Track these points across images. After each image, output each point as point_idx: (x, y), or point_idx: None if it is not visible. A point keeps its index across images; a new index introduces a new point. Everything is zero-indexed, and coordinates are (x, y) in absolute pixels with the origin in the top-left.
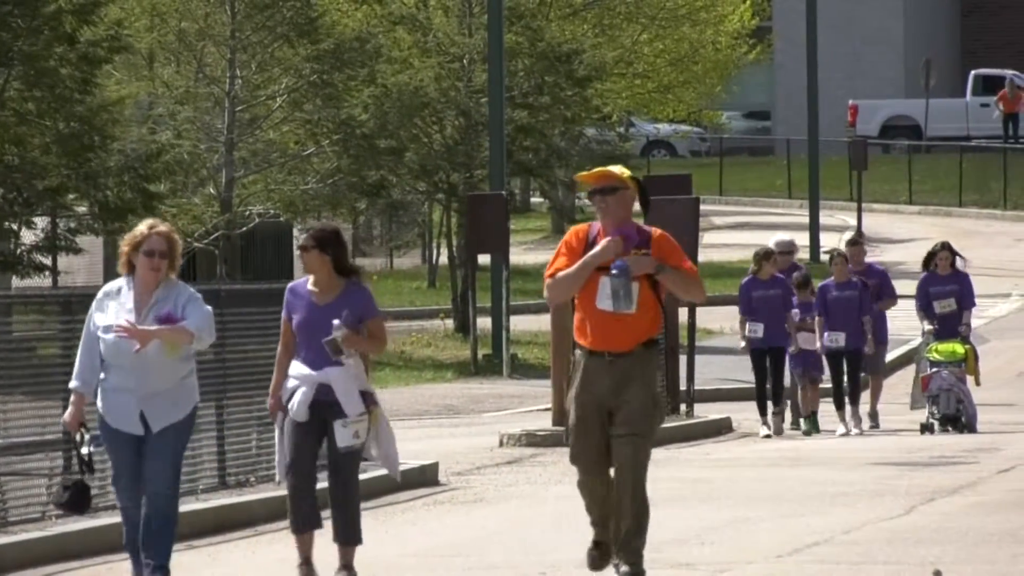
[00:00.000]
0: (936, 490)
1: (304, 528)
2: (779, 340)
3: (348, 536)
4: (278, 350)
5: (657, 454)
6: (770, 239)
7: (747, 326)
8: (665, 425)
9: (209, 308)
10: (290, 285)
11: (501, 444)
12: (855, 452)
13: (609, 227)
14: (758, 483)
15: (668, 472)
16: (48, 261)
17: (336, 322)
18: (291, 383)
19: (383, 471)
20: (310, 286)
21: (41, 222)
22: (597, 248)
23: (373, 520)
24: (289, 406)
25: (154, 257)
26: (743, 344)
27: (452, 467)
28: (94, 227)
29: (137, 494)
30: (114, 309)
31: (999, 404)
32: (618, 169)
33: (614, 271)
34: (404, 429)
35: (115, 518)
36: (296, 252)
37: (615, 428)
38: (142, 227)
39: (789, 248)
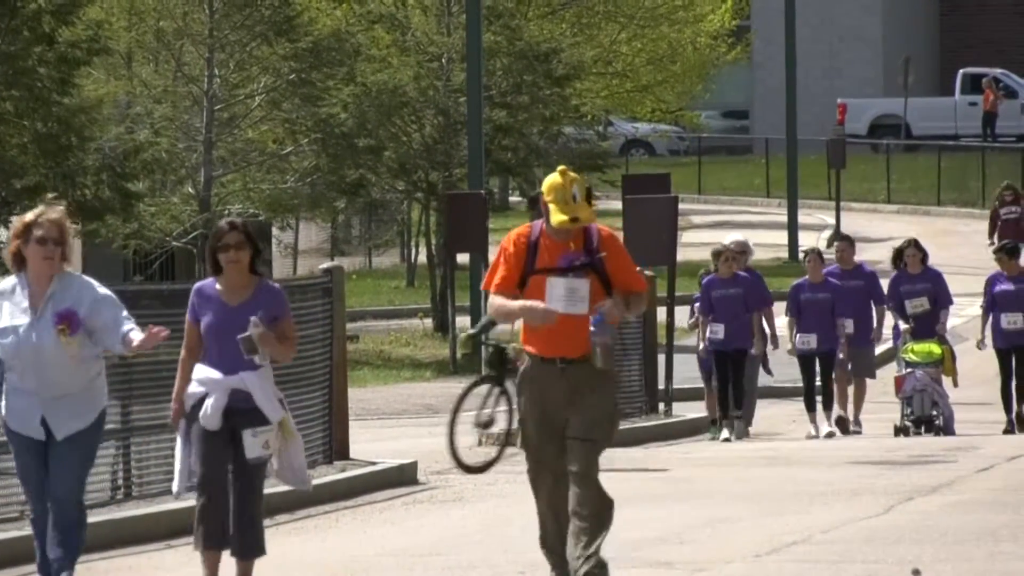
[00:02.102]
0: (914, 489)
1: (211, 545)
2: (739, 341)
3: (248, 549)
4: (181, 354)
5: (636, 453)
6: (726, 238)
7: (708, 327)
8: (644, 424)
9: (123, 312)
10: (196, 286)
11: (480, 443)
12: (834, 452)
13: (563, 239)
14: (737, 482)
15: (647, 471)
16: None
17: (253, 318)
18: (197, 389)
19: (362, 471)
20: (219, 286)
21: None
22: (532, 307)
23: (351, 519)
24: (201, 414)
25: (47, 245)
26: (701, 346)
27: (431, 466)
28: (72, 226)
29: (44, 500)
30: (8, 310)
31: (977, 403)
32: (578, 193)
33: (593, 327)
34: (383, 428)
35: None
36: (276, 251)
37: (568, 431)
38: (29, 215)
39: (743, 248)
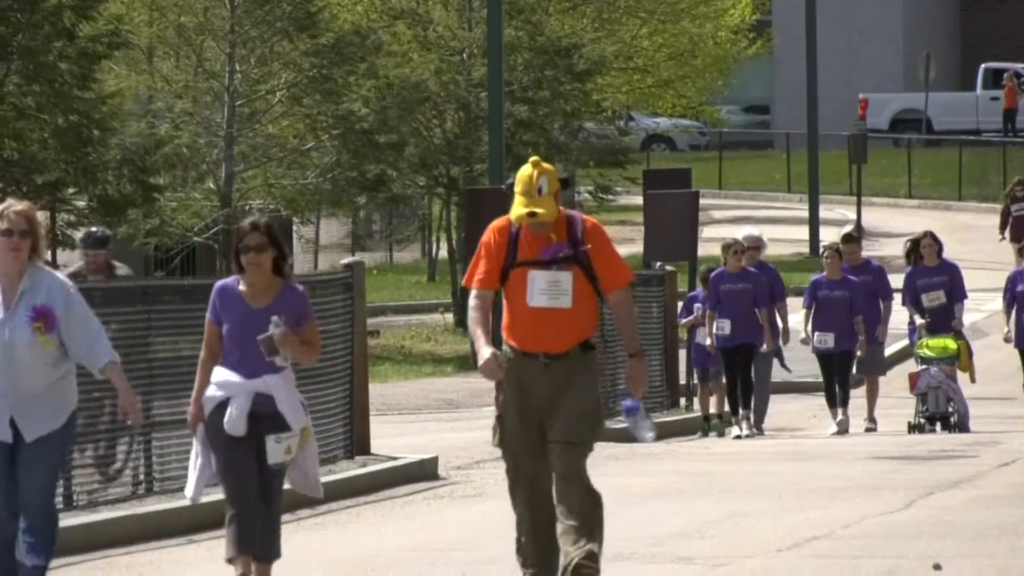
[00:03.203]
0: (935, 484)
1: (245, 551)
2: (748, 337)
3: (267, 553)
4: (201, 355)
5: (656, 448)
6: (739, 232)
7: (715, 323)
8: (665, 419)
9: (96, 322)
10: (218, 285)
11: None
12: (854, 447)
13: (544, 230)
14: (757, 477)
15: (668, 466)
16: (47, 255)
17: (275, 318)
18: (217, 392)
19: (383, 466)
20: (242, 287)
21: (40, 216)
22: (479, 351)
23: (372, 514)
24: (225, 420)
25: (12, 236)
26: (708, 342)
27: (452, 461)
28: (93, 221)
29: (10, 506)
30: None
31: (999, 398)
32: (546, 184)
33: (626, 412)
34: (404, 423)
35: None
36: (297, 247)
37: (551, 435)
38: None
39: (756, 243)
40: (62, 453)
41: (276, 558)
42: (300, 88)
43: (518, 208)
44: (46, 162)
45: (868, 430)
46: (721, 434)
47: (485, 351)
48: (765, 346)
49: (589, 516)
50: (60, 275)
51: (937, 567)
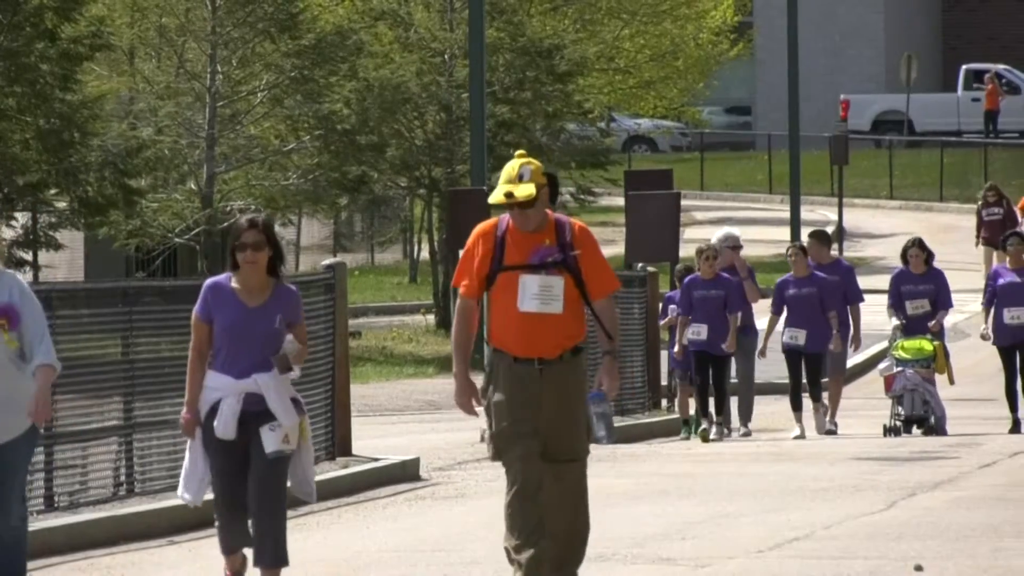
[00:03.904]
0: (917, 485)
1: (237, 548)
2: (722, 343)
3: (274, 558)
4: (190, 356)
5: (638, 449)
6: (716, 232)
7: (690, 327)
8: (648, 421)
9: (45, 324)
10: (210, 282)
11: (482, 439)
12: (836, 448)
13: (531, 230)
14: (739, 478)
15: (650, 467)
16: (29, 257)
17: (289, 336)
18: (211, 395)
19: (364, 467)
20: (235, 284)
21: (22, 218)
22: (456, 375)
23: (353, 515)
24: (215, 423)
25: None
26: (676, 348)
27: (433, 462)
28: (74, 222)
29: None
30: None
31: (981, 399)
32: (529, 173)
33: (591, 402)
34: (385, 424)
35: None
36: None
37: (553, 453)
38: None
39: (734, 243)
40: (28, 458)
41: (283, 565)
42: (281, 89)
43: (497, 193)
44: (27, 163)
45: (829, 432)
46: (688, 437)
47: (461, 384)
48: (726, 346)
49: (582, 544)
50: (16, 274)
51: (919, 568)
